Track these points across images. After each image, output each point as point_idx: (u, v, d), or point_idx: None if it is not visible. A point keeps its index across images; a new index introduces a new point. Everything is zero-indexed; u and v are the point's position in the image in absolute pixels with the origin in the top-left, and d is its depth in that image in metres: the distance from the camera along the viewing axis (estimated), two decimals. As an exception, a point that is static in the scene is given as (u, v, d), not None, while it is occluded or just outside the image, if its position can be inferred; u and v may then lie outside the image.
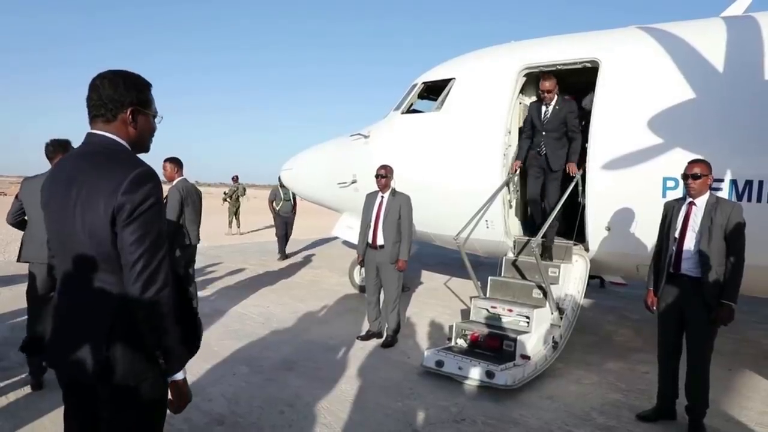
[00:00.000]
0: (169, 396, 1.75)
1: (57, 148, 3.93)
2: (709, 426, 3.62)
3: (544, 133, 5.49)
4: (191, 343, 1.82)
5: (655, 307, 3.86)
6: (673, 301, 3.70)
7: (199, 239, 5.79)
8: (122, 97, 1.70)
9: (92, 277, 1.65)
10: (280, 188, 11.06)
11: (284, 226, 11.09)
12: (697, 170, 3.60)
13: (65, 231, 1.67)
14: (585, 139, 5.32)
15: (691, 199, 3.68)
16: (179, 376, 1.71)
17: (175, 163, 5.75)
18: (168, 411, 1.78)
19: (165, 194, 5.53)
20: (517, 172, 5.74)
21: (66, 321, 1.72)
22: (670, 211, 3.80)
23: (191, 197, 5.66)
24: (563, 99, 5.52)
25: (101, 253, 1.62)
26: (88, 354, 1.62)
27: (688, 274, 3.62)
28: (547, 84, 5.38)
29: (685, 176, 3.66)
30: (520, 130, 5.90)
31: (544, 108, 5.53)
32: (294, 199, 11.16)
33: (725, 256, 3.51)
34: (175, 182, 5.65)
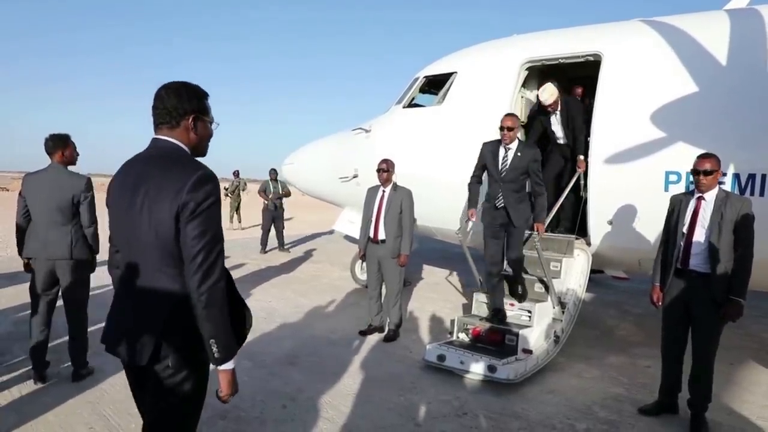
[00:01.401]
0: (219, 385, 1.85)
1: (56, 143, 3.92)
2: (710, 420, 3.62)
3: (502, 183, 4.79)
4: (239, 334, 1.94)
5: (660, 303, 3.81)
6: (679, 296, 3.66)
7: None
8: (184, 105, 1.86)
9: (154, 270, 1.80)
10: (270, 182, 11.17)
11: (271, 220, 11.13)
12: (707, 165, 3.52)
13: (131, 227, 1.81)
14: (587, 133, 5.30)
15: (700, 194, 3.61)
16: (229, 365, 1.82)
17: None
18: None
19: None
20: None
21: (125, 310, 1.88)
22: (677, 206, 3.73)
23: None
24: (525, 145, 4.89)
25: (164, 247, 1.76)
26: (144, 341, 1.77)
27: (696, 270, 3.57)
28: (509, 121, 4.70)
29: (695, 171, 3.58)
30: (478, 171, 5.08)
31: (502, 151, 4.80)
32: (281, 196, 11.23)
33: (734, 251, 3.46)
34: None
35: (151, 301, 1.82)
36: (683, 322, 3.70)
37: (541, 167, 4.90)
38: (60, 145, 3.93)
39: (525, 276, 5.23)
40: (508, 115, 4.81)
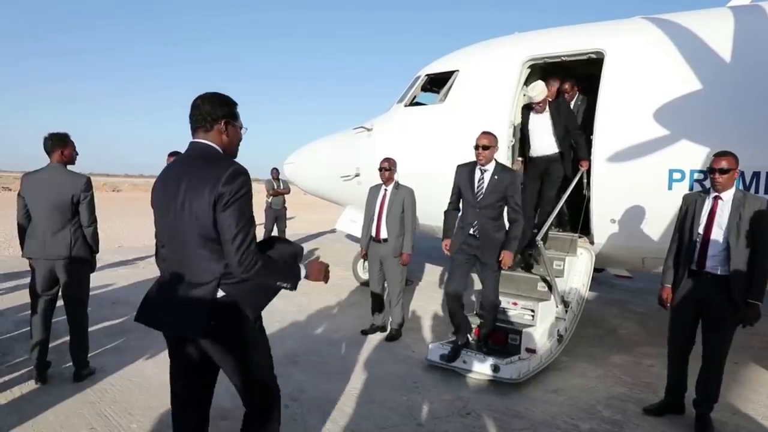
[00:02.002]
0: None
1: (56, 142, 3.90)
2: (715, 419, 3.59)
3: (477, 209, 4.34)
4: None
5: (669, 303, 3.70)
6: (692, 297, 3.54)
7: None
8: (217, 111, 2.16)
9: (197, 253, 2.08)
10: (273, 181, 11.16)
11: (274, 220, 11.11)
12: (724, 164, 3.37)
13: (175, 220, 2.09)
14: (590, 131, 5.26)
15: (716, 194, 3.47)
16: (303, 273, 2.25)
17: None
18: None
19: None
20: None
21: (173, 290, 2.13)
22: (691, 205, 3.58)
23: None
24: (503, 167, 4.42)
25: (204, 233, 2.04)
26: (194, 315, 2.06)
27: (712, 272, 3.44)
28: (484, 139, 4.26)
29: (711, 170, 3.42)
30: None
31: (478, 174, 4.36)
32: (283, 193, 11.20)
33: (752, 253, 3.35)
34: None
35: (197, 280, 2.09)
36: (693, 323, 3.61)
37: (520, 191, 4.60)
38: (59, 145, 3.91)
39: (528, 275, 5.19)
40: (484, 133, 4.33)
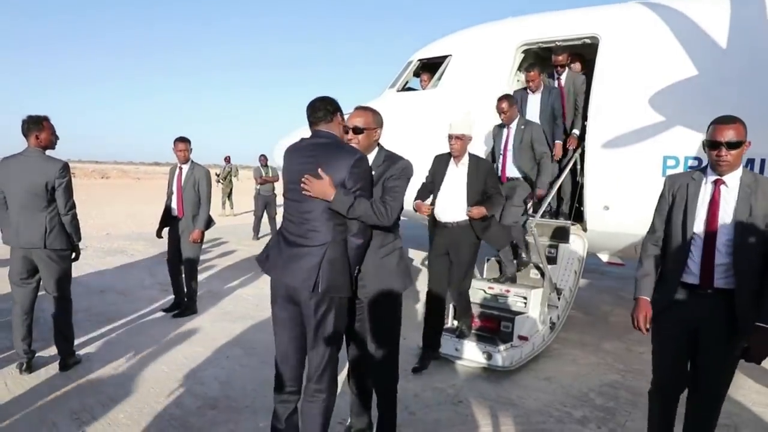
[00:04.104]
0: None
1: (31, 125, 3.76)
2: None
3: None
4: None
5: (648, 326, 2.63)
6: (684, 319, 2.53)
7: None
8: (331, 107, 2.63)
9: (314, 224, 2.49)
10: (262, 168, 11.07)
11: (264, 206, 11.02)
12: (732, 134, 2.36)
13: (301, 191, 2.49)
14: (584, 117, 5.21)
15: (717, 176, 2.46)
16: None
17: (189, 143, 5.53)
18: None
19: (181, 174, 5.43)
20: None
21: (292, 252, 2.51)
22: (681, 191, 2.54)
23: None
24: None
25: (325, 207, 2.46)
26: (306, 275, 2.43)
27: (717, 287, 2.44)
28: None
29: (713, 144, 2.40)
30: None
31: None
32: (272, 180, 11.10)
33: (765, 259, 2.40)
34: (192, 164, 5.48)
35: (310, 247, 2.48)
36: (687, 353, 2.60)
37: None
38: (34, 128, 3.76)
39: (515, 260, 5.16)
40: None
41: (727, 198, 2.42)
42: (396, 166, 2.71)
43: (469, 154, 4.23)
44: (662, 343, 2.67)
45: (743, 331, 2.38)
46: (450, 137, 4.12)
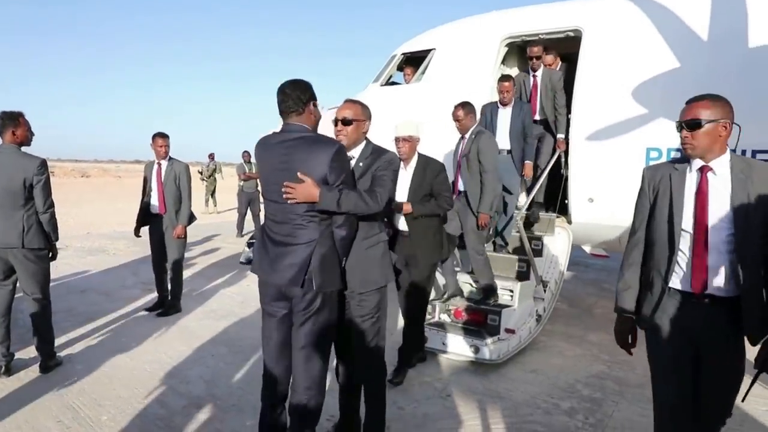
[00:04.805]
0: None
1: (7, 121, 3.66)
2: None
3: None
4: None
5: (633, 345, 2.41)
6: (679, 334, 2.17)
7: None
8: (302, 96, 2.46)
9: (299, 223, 2.41)
10: (245, 164, 11.02)
11: (247, 203, 10.93)
12: (693, 112, 2.10)
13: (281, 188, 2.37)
14: (568, 110, 5.23)
15: (703, 163, 2.12)
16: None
17: (168, 138, 5.42)
18: None
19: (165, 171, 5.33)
20: None
21: (279, 251, 2.45)
22: (662, 183, 2.22)
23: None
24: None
25: (309, 205, 2.37)
26: (295, 274, 2.39)
27: (713, 294, 2.09)
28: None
29: (677, 125, 2.17)
30: None
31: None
32: (256, 177, 11.05)
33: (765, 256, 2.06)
34: (170, 160, 5.39)
35: (296, 245, 2.42)
36: (689, 373, 2.17)
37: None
38: (10, 124, 3.66)
39: (507, 255, 5.17)
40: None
41: (717, 187, 2.09)
42: (382, 159, 2.69)
43: (419, 155, 3.92)
44: (657, 365, 2.26)
45: (752, 340, 2.07)
46: (397, 140, 3.82)
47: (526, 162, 5.14)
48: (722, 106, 2.12)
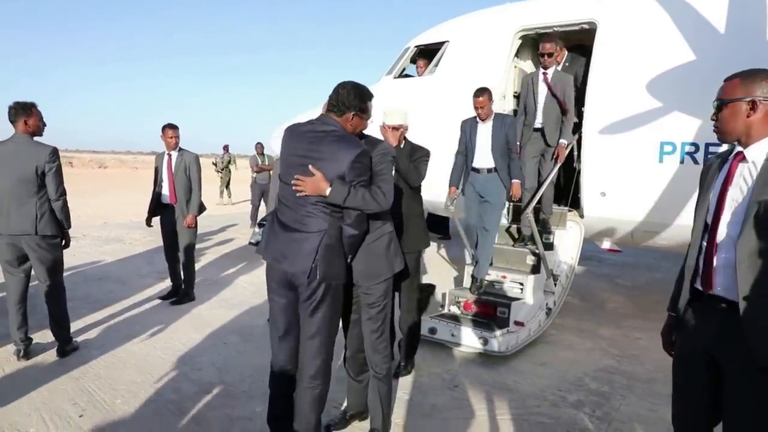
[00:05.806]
0: None
1: (20, 111, 3.74)
2: None
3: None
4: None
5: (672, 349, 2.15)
6: (696, 341, 1.94)
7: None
8: (351, 103, 2.51)
9: (310, 210, 2.46)
10: (258, 156, 11.06)
11: (260, 195, 11.00)
12: (720, 92, 1.96)
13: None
14: (581, 104, 5.18)
15: (739, 149, 1.89)
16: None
17: (178, 129, 5.49)
18: None
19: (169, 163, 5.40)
20: None
21: (288, 237, 2.50)
22: (709, 177, 2.00)
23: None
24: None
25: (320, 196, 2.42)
26: (304, 262, 2.43)
27: (722, 296, 1.85)
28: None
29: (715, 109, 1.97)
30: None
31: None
32: (268, 169, 11.08)
33: None
34: (180, 150, 5.46)
35: (308, 234, 2.46)
36: (707, 384, 1.92)
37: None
38: (23, 114, 3.74)
39: (518, 248, 5.17)
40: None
41: (744, 176, 1.82)
42: (375, 151, 2.58)
43: (406, 140, 3.74)
44: (676, 369, 2.06)
45: (760, 354, 1.71)
46: (386, 128, 3.60)
47: (513, 181, 4.67)
48: (751, 81, 1.84)
